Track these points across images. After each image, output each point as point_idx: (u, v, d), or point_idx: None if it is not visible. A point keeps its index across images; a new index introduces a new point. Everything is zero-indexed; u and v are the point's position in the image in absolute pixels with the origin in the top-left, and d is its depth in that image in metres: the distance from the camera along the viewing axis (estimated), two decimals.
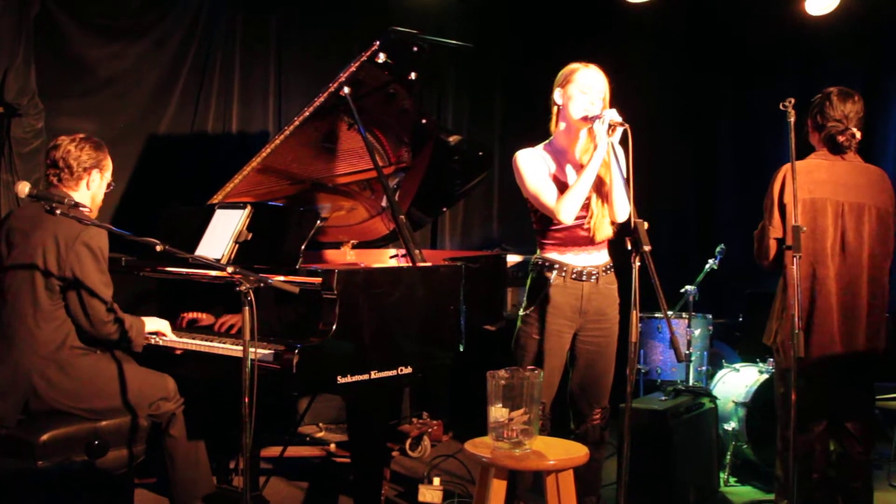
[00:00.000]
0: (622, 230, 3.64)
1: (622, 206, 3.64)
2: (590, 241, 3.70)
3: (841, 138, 3.79)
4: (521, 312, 3.78)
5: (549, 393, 3.71)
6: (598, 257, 3.74)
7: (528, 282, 3.79)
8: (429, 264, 4.03)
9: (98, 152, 3.81)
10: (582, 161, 3.68)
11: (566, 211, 3.56)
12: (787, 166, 3.67)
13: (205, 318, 4.03)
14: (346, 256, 5.05)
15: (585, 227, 3.67)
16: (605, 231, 3.68)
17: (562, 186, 3.63)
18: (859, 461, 3.83)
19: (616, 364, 3.78)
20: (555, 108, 3.73)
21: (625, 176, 3.51)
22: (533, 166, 3.66)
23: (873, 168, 3.89)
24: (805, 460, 3.78)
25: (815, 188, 3.75)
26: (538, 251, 3.79)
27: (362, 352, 3.57)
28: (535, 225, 3.79)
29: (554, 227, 3.69)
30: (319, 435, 5.88)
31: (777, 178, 3.79)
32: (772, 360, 5.17)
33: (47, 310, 3.60)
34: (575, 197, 3.55)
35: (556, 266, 3.69)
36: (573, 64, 3.69)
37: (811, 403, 3.75)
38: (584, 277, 3.69)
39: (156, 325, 3.84)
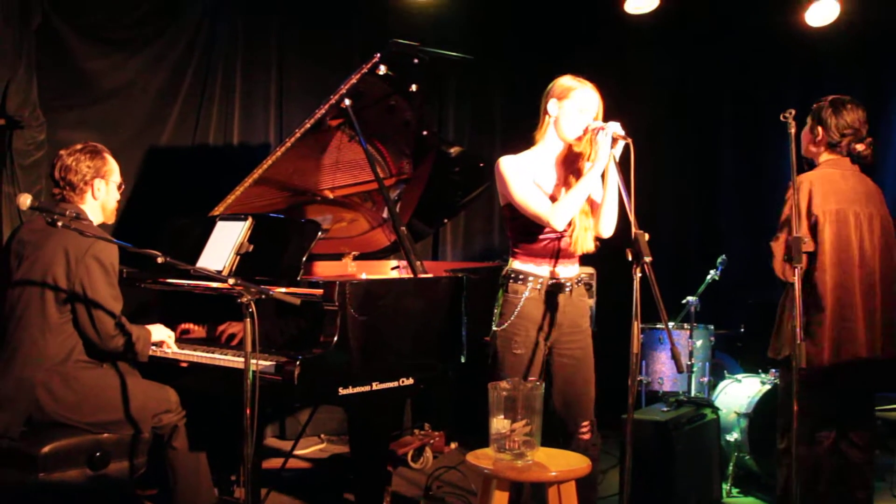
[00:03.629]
0: (605, 244, 3.64)
1: (610, 222, 3.61)
2: (566, 254, 3.65)
3: (860, 147, 3.80)
4: (494, 328, 3.69)
5: None
6: (571, 269, 3.68)
7: (500, 295, 3.69)
8: (430, 276, 4.03)
9: (95, 160, 3.77)
10: (567, 173, 3.64)
11: (560, 218, 3.49)
12: (806, 177, 3.69)
13: (206, 329, 4.04)
14: (347, 268, 5.05)
15: (565, 239, 3.62)
16: (586, 245, 3.62)
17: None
18: (862, 468, 3.81)
19: (615, 375, 3.76)
20: (547, 118, 3.65)
21: (627, 188, 3.48)
22: (519, 173, 3.59)
23: (866, 176, 3.91)
24: (815, 472, 3.77)
25: (840, 198, 3.74)
26: (510, 261, 3.70)
27: (363, 363, 3.57)
28: (509, 233, 3.71)
29: (531, 238, 3.62)
30: (321, 447, 5.87)
31: (802, 189, 3.72)
32: (774, 371, 5.17)
33: (55, 323, 3.59)
34: (571, 204, 3.49)
35: (531, 278, 3.62)
36: (571, 80, 3.61)
37: (828, 415, 3.75)
38: (557, 289, 3.63)
39: (159, 335, 3.84)
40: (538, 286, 3.61)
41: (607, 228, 3.62)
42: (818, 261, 3.72)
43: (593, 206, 3.64)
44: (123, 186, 3.95)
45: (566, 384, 3.68)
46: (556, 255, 3.64)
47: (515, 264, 3.67)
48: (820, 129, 3.87)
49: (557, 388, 3.69)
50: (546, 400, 3.68)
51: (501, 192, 3.64)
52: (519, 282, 3.63)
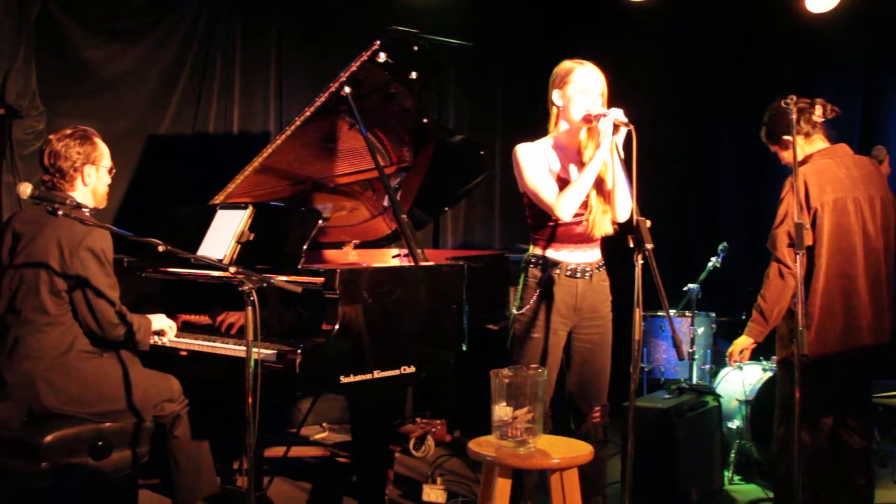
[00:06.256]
0: (622, 229, 3.63)
1: (624, 206, 3.62)
2: (586, 239, 3.67)
3: (818, 108, 3.76)
4: (514, 311, 3.73)
5: (548, 392, 3.69)
6: (591, 255, 3.71)
7: (521, 280, 3.74)
8: (431, 264, 4.02)
9: (85, 146, 3.69)
10: (583, 159, 3.65)
11: (565, 208, 3.53)
12: (800, 171, 3.67)
13: (207, 318, 4.03)
14: (348, 256, 5.04)
15: (583, 224, 3.64)
16: (604, 228, 3.65)
17: (561, 183, 3.60)
18: (862, 454, 3.81)
19: (616, 362, 3.76)
20: (554, 110, 3.68)
21: (628, 175, 3.48)
22: (533, 161, 3.62)
23: (865, 158, 3.91)
24: (815, 458, 3.77)
25: (837, 187, 3.73)
26: (531, 247, 3.75)
27: (365, 351, 3.57)
28: (529, 220, 3.75)
29: (550, 223, 3.65)
30: (323, 435, 5.88)
31: (797, 184, 3.66)
32: (775, 357, 5.17)
33: (53, 315, 3.57)
34: (575, 194, 3.52)
35: (551, 263, 3.66)
36: (568, 63, 3.64)
37: (827, 401, 3.75)
38: (578, 275, 3.66)
39: (160, 324, 3.83)
40: (557, 271, 3.65)
41: (621, 213, 3.63)
42: (815, 252, 3.71)
43: (608, 191, 3.64)
44: (115, 170, 3.88)
45: (583, 367, 3.73)
46: (575, 240, 3.67)
47: (535, 250, 3.72)
48: (784, 136, 3.81)
49: (574, 370, 3.75)
50: (562, 382, 3.72)
51: (517, 179, 3.67)
52: (538, 267, 3.68)
